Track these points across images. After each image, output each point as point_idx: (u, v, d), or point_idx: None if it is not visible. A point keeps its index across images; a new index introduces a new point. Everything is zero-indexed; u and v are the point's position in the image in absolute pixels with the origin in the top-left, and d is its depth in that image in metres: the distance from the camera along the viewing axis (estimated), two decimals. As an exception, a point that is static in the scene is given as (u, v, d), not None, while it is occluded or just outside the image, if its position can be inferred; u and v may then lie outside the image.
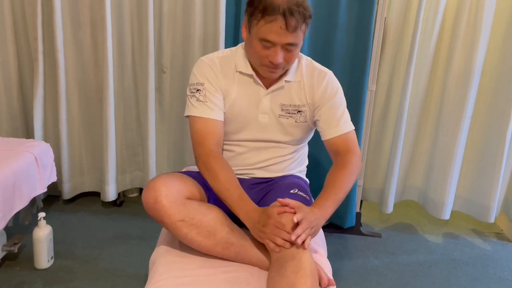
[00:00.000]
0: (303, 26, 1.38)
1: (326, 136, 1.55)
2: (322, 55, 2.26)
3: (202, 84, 1.50)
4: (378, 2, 2.20)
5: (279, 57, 1.38)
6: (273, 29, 1.34)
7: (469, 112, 2.37)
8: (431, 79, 2.44)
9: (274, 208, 1.30)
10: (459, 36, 2.30)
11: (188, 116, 1.52)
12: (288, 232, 1.24)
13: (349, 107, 2.23)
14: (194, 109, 1.49)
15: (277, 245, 1.24)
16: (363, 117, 2.30)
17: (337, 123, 1.54)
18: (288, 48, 1.38)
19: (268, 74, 1.46)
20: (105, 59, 2.33)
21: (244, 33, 1.46)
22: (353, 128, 1.58)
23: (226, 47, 2.29)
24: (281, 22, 1.33)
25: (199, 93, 1.49)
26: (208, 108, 1.49)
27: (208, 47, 2.36)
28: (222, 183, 1.39)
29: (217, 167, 1.41)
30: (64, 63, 2.38)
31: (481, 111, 2.44)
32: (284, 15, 1.32)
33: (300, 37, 1.39)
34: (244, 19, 1.45)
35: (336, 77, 2.23)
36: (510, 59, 2.30)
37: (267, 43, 1.37)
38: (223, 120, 1.52)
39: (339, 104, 1.57)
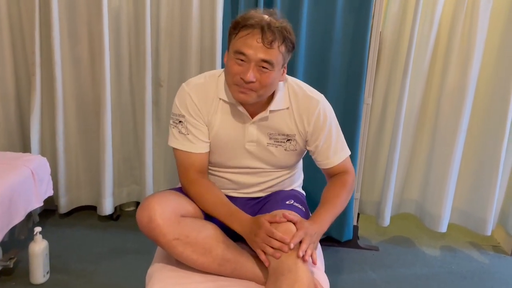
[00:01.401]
0: (282, 47, 1.33)
1: (323, 166, 1.55)
2: (318, 69, 2.28)
3: (183, 116, 1.47)
4: (373, 16, 2.22)
5: (250, 74, 1.31)
6: (248, 41, 1.30)
7: (464, 125, 2.38)
8: (427, 92, 2.45)
9: (266, 216, 1.31)
10: (453, 50, 2.32)
11: None
12: (278, 240, 1.24)
13: (345, 120, 2.27)
14: (176, 141, 1.49)
15: (268, 254, 1.25)
16: (359, 130, 2.31)
17: (334, 153, 1.53)
18: (263, 66, 1.32)
19: (239, 95, 1.37)
20: (102, 73, 2.34)
21: (225, 57, 1.41)
22: (349, 153, 1.58)
23: (222, 61, 2.30)
24: (257, 35, 1.30)
25: (181, 125, 1.47)
26: (189, 142, 1.47)
27: (205, 60, 2.37)
28: (210, 204, 1.42)
29: (201, 191, 1.44)
30: (62, 77, 2.39)
31: (476, 124, 2.45)
32: (261, 28, 1.29)
33: (278, 57, 1.33)
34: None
35: (332, 90, 2.28)
36: (504, 73, 2.32)
37: (241, 56, 1.32)
38: (206, 150, 1.50)
39: (333, 132, 1.53)
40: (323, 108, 1.49)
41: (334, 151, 1.52)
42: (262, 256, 1.27)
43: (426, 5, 2.29)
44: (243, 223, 1.34)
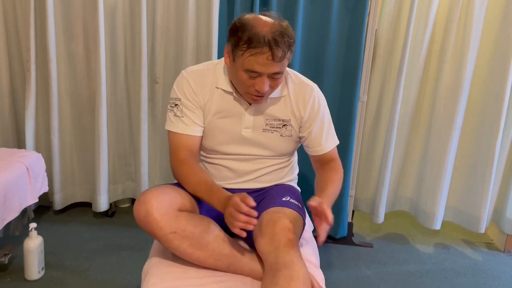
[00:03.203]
0: (288, 54, 1.37)
1: (314, 153, 1.60)
2: (314, 67, 2.29)
3: (179, 100, 1.51)
4: (369, 14, 2.23)
5: (266, 86, 1.37)
6: (259, 60, 1.33)
7: (458, 123, 2.40)
8: (421, 90, 2.47)
9: (240, 194, 1.27)
10: (448, 48, 2.33)
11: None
12: (245, 213, 1.22)
13: (340, 117, 2.28)
14: (171, 123, 1.52)
15: (241, 228, 1.23)
16: (354, 128, 2.32)
17: (325, 141, 1.58)
18: (274, 76, 1.38)
19: (253, 101, 1.45)
20: (97, 69, 2.34)
21: (226, 59, 1.43)
22: (338, 142, 1.64)
23: (218, 58, 2.31)
24: (267, 54, 1.31)
25: (177, 108, 1.51)
26: (183, 124, 1.50)
27: (201, 57, 2.37)
28: (193, 183, 1.43)
29: (187, 171, 1.46)
30: (57, 74, 2.38)
31: (470, 123, 2.46)
32: (270, 46, 1.30)
33: (286, 64, 1.39)
34: (226, 46, 1.42)
35: (328, 88, 2.29)
36: (498, 72, 2.33)
37: (253, 73, 1.36)
38: (199, 134, 1.53)
39: (325, 120, 1.59)
40: (317, 96, 1.56)
41: (325, 138, 1.58)
42: (235, 230, 1.23)
43: (421, 3, 2.30)
44: (222, 201, 1.33)
